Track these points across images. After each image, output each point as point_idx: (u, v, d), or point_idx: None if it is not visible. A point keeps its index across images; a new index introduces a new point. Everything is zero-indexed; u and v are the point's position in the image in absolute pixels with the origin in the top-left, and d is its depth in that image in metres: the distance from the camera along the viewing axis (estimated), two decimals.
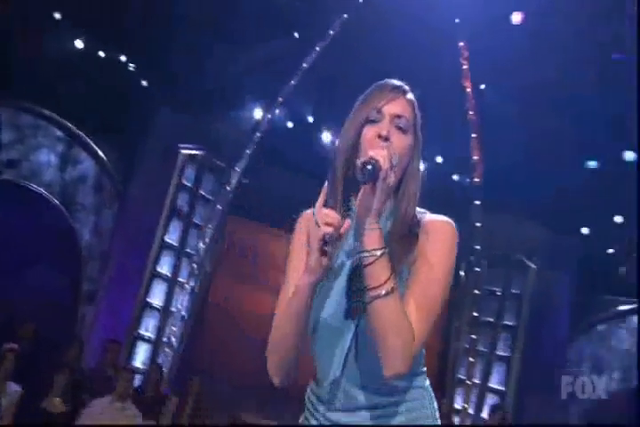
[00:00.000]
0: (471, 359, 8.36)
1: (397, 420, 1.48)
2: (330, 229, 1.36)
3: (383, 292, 1.36)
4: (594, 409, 7.71)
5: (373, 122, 1.50)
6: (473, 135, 8.57)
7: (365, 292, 1.39)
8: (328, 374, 1.50)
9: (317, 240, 1.38)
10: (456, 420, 7.72)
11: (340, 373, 1.47)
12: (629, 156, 7.82)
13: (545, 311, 8.47)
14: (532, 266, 8.45)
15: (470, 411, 7.97)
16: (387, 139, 1.47)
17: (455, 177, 9.38)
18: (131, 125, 8.20)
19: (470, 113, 8.56)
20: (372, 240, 1.38)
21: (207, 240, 8.52)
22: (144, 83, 8.36)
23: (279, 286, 1.71)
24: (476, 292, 8.43)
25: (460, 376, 8.51)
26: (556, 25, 7.27)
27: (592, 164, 8.13)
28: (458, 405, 8.09)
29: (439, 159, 9.22)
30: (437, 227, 1.49)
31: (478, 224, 8.44)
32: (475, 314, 8.45)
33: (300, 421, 1.57)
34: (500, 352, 8.53)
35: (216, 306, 8.70)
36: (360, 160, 1.43)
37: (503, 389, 8.26)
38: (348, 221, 1.40)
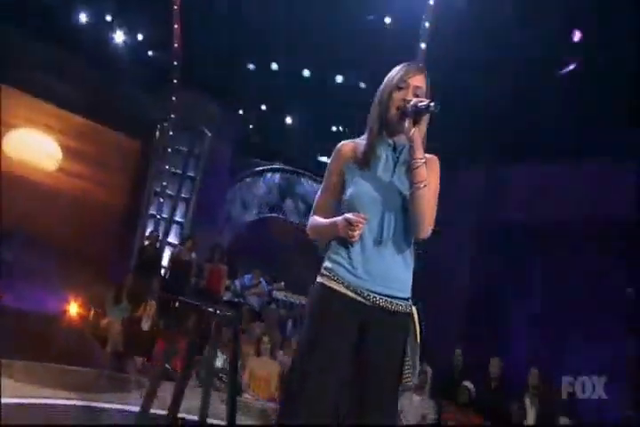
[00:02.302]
0: (161, 200, 10.91)
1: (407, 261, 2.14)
2: (357, 234, 2.03)
3: (422, 185, 2.05)
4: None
5: (401, 88, 2.15)
6: (175, 26, 10.58)
7: (411, 185, 2.06)
8: (368, 238, 2.08)
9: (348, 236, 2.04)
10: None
11: (380, 238, 2.08)
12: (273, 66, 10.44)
13: (213, 167, 11.20)
14: (209, 134, 10.86)
15: (160, 237, 10.43)
16: (409, 102, 2.10)
17: (150, 53, 11.02)
18: None
19: (175, 7, 10.50)
20: (420, 152, 2.07)
21: None
22: None
23: None
24: (169, 150, 10.82)
25: (151, 212, 10.89)
26: None
27: (250, 67, 10.46)
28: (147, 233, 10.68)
29: (140, 37, 10.94)
30: (436, 161, 2.20)
31: (174, 98, 10.75)
32: (166, 167, 10.93)
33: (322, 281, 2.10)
34: (183, 195, 10.98)
35: None
36: (418, 102, 2.07)
37: (183, 221, 11.01)
38: (363, 216, 2.03)
